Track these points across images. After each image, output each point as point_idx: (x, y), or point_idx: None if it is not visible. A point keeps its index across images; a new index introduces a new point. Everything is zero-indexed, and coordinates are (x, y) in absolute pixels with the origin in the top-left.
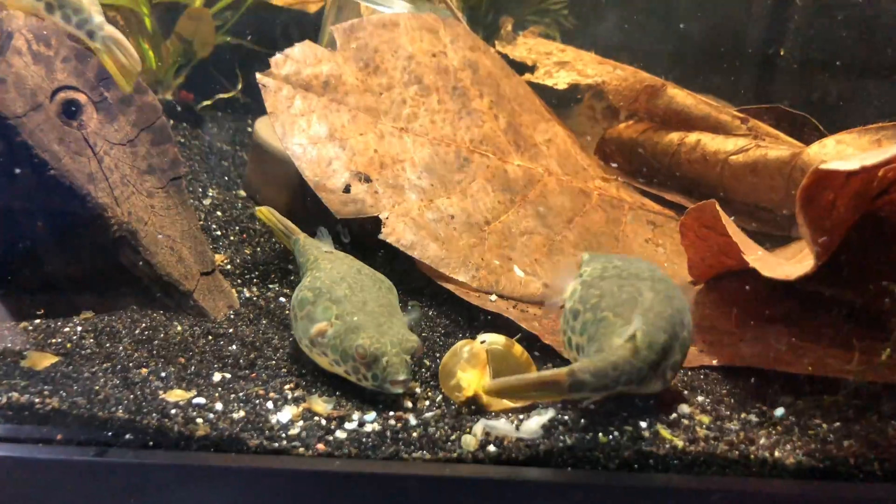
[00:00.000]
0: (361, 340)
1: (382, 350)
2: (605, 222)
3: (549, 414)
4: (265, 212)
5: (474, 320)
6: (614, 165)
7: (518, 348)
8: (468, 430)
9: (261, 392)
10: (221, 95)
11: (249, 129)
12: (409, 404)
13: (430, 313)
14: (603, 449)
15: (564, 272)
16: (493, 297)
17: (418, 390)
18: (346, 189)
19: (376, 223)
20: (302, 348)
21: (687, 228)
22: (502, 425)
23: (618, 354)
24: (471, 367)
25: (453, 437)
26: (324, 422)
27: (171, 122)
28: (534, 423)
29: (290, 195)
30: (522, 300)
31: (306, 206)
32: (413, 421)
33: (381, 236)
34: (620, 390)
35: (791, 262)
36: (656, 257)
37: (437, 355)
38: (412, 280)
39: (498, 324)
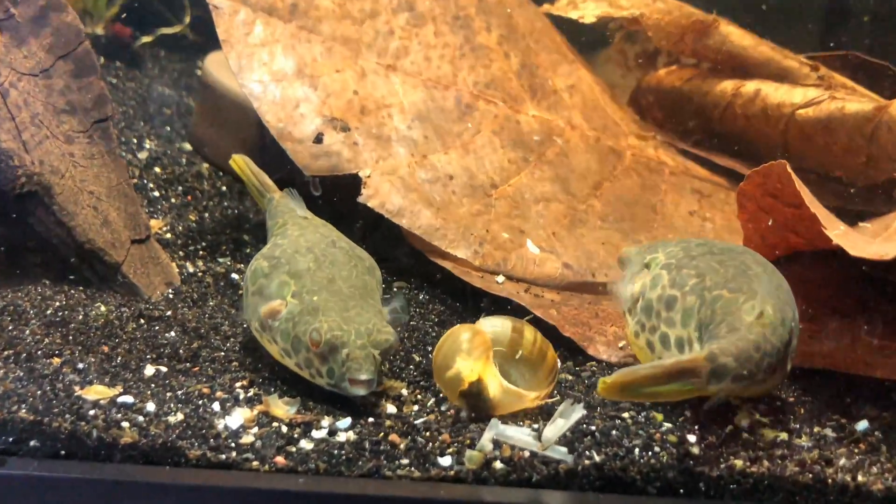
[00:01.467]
0: (317, 325)
1: (343, 339)
2: (639, 189)
3: (578, 414)
4: (239, 161)
5: (476, 307)
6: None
7: (530, 333)
8: (468, 441)
9: (205, 390)
10: (165, 31)
11: (199, 72)
12: (394, 409)
13: (421, 297)
14: (640, 468)
15: (630, 269)
16: (501, 279)
17: (405, 392)
18: (318, 139)
19: (355, 183)
20: (252, 332)
21: (746, 198)
22: (519, 434)
23: (755, 332)
24: (472, 357)
25: (450, 449)
26: (285, 428)
27: (102, 60)
28: (557, 429)
29: (246, 148)
30: (537, 283)
31: (265, 161)
32: (399, 429)
33: (360, 199)
34: (761, 378)
35: (881, 241)
36: (703, 234)
37: (429, 349)
38: (399, 255)
39: (508, 310)
